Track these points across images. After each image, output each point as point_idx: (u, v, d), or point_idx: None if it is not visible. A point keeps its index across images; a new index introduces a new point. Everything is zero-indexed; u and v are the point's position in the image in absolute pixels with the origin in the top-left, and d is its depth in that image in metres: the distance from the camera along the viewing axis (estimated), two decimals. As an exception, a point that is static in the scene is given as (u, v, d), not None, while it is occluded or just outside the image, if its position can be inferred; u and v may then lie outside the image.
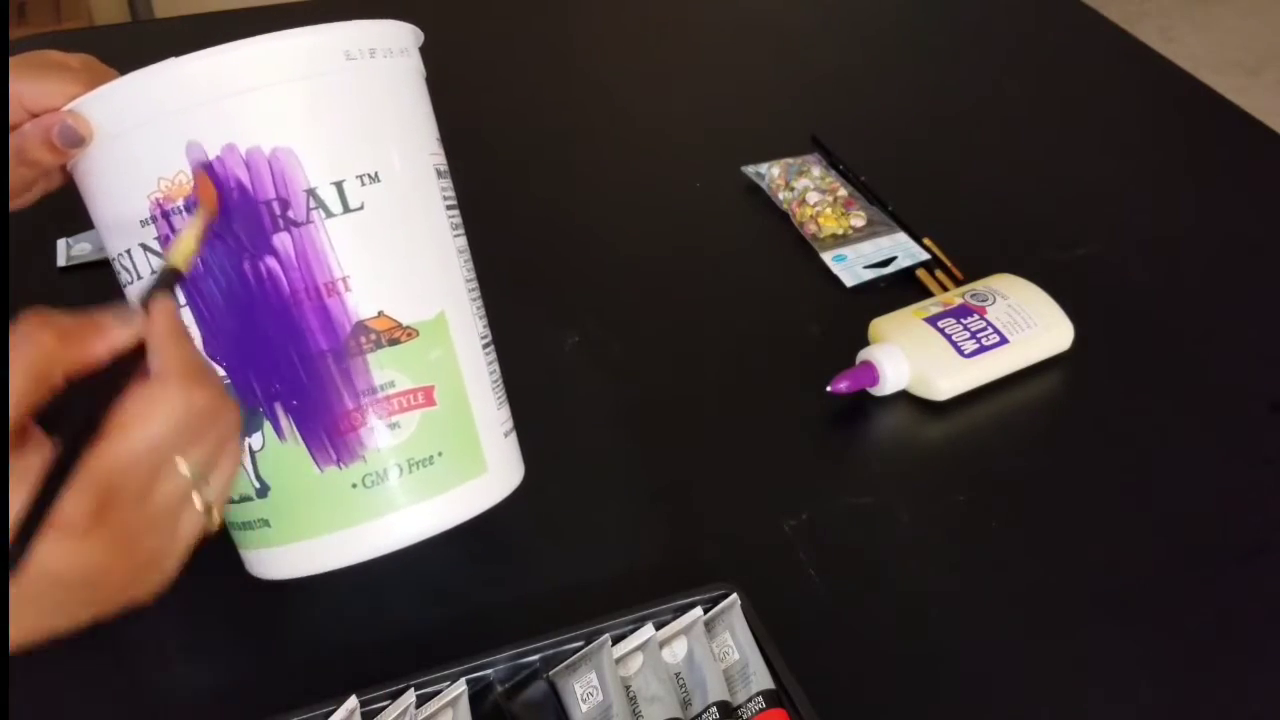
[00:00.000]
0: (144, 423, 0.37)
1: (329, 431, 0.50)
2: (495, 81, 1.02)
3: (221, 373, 0.50)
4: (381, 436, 0.51)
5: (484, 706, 0.50)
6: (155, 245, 0.50)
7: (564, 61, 1.08)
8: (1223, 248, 0.82)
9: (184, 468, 0.39)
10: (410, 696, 0.49)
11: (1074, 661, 0.54)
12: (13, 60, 0.52)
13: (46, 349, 0.36)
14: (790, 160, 0.88)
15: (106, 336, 0.38)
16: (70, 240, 0.81)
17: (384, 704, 0.49)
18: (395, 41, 0.53)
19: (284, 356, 0.50)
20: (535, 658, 0.51)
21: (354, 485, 0.51)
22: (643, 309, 0.77)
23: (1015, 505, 0.62)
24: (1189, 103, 0.99)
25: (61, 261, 0.80)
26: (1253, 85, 2.45)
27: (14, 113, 0.51)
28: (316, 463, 0.50)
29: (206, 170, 0.48)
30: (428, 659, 0.50)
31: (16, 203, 0.56)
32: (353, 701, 0.48)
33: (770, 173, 0.87)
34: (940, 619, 0.56)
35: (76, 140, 0.49)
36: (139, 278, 0.51)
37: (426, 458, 0.52)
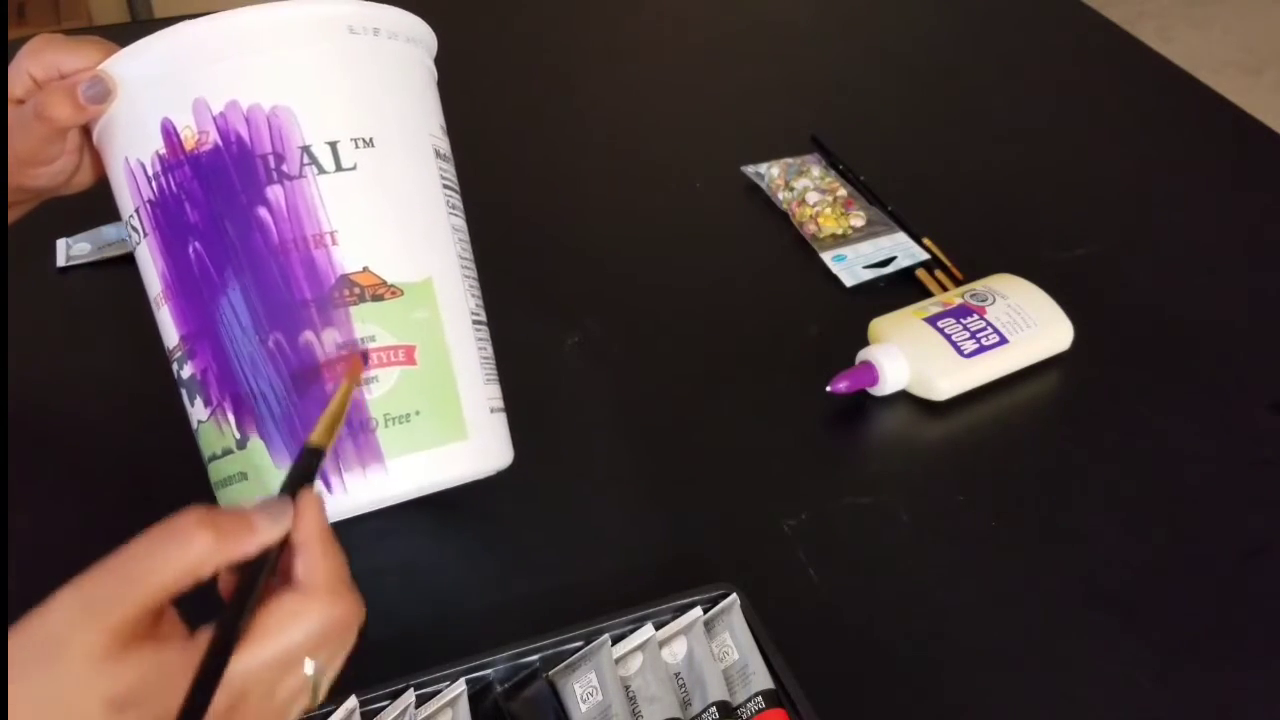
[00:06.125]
0: (285, 634, 0.39)
1: (308, 379, 0.51)
2: (495, 81, 1.01)
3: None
4: (358, 389, 0.52)
5: (484, 706, 0.50)
6: (156, 198, 0.52)
7: (565, 61, 1.08)
8: (1222, 247, 0.82)
9: (310, 668, 0.40)
10: (410, 696, 0.49)
11: (1074, 661, 0.54)
12: (51, 36, 0.56)
13: (204, 548, 0.38)
14: (790, 160, 0.88)
15: (258, 536, 0.39)
16: (70, 240, 0.81)
17: (384, 704, 0.49)
18: (400, 27, 0.56)
19: (271, 304, 0.51)
20: (535, 658, 0.51)
21: None
22: (642, 309, 0.77)
23: (1015, 505, 0.62)
24: (1189, 103, 0.99)
25: (61, 261, 0.80)
26: (1253, 85, 2.45)
27: (51, 78, 0.55)
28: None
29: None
30: (428, 659, 0.50)
31: (35, 171, 0.58)
32: (352, 701, 0.48)
33: (770, 173, 0.87)
34: (940, 619, 0.56)
35: (103, 94, 0.53)
36: (145, 235, 0.54)
37: (403, 415, 0.53)
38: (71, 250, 0.81)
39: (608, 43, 1.12)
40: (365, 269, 0.52)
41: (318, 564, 0.40)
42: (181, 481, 0.65)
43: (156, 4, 2.32)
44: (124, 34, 0.56)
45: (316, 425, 0.46)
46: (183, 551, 0.37)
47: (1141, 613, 0.57)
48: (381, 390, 0.52)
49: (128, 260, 0.80)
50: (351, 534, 0.59)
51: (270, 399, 0.52)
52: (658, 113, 0.99)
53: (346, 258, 0.52)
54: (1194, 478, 0.64)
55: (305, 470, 0.43)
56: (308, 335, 0.51)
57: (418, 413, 0.53)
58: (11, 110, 0.56)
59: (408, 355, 0.53)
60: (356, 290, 0.52)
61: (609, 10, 1.17)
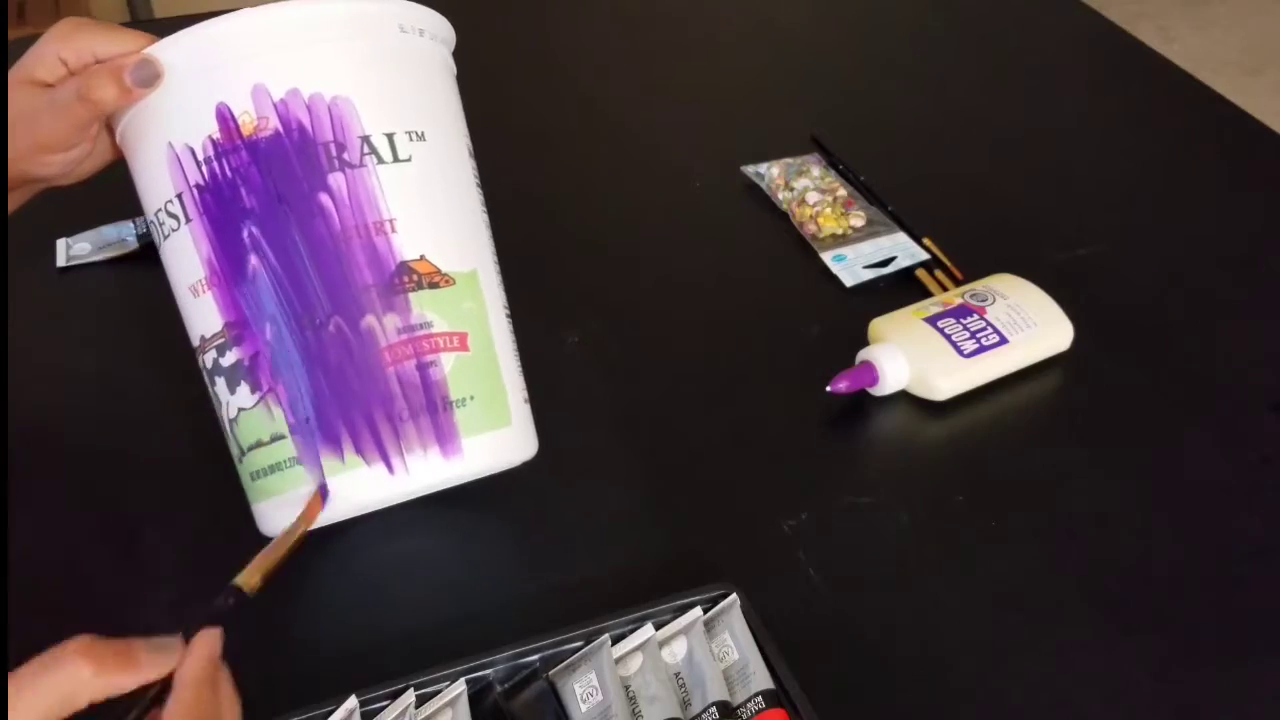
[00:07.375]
0: None
1: (371, 364, 0.52)
2: (496, 80, 1.01)
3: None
4: (419, 372, 0.53)
5: (484, 706, 0.50)
6: (206, 182, 0.53)
7: (564, 61, 1.08)
8: (1223, 247, 0.82)
9: None
10: (410, 696, 0.49)
11: (1073, 662, 0.54)
12: (80, 20, 0.55)
13: (80, 678, 0.37)
14: (790, 160, 0.88)
15: (140, 672, 0.39)
16: (70, 240, 0.81)
17: (384, 704, 0.49)
18: (439, 29, 0.58)
19: (332, 288, 0.52)
20: (535, 658, 0.51)
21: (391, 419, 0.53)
22: (642, 309, 0.77)
23: (1015, 505, 0.62)
24: (1189, 103, 0.99)
25: (61, 261, 0.80)
26: (1253, 85, 2.45)
27: (85, 62, 0.55)
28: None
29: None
30: (428, 659, 0.50)
31: (49, 157, 0.57)
32: (352, 701, 0.48)
33: (770, 173, 0.87)
34: (940, 618, 0.56)
35: (151, 79, 0.52)
36: (187, 220, 0.54)
37: (460, 399, 0.54)
38: (71, 250, 0.81)
39: (607, 43, 1.12)
40: (422, 257, 0.54)
41: (184, 707, 0.39)
42: (182, 479, 0.65)
43: (157, 4, 2.32)
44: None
45: (252, 564, 0.45)
46: (59, 680, 0.37)
47: (1141, 613, 0.57)
48: (439, 375, 0.54)
49: (128, 260, 0.80)
50: (353, 533, 0.59)
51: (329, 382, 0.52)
52: (658, 113, 0.99)
53: (405, 245, 0.53)
54: (1194, 477, 0.64)
55: (218, 609, 0.43)
56: (369, 319, 0.52)
57: (472, 398, 0.55)
58: (38, 94, 0.55)
59: (461, 342, 0.55)
60: (415, 277, 0.53)
61: (609, 10, 1.17)
